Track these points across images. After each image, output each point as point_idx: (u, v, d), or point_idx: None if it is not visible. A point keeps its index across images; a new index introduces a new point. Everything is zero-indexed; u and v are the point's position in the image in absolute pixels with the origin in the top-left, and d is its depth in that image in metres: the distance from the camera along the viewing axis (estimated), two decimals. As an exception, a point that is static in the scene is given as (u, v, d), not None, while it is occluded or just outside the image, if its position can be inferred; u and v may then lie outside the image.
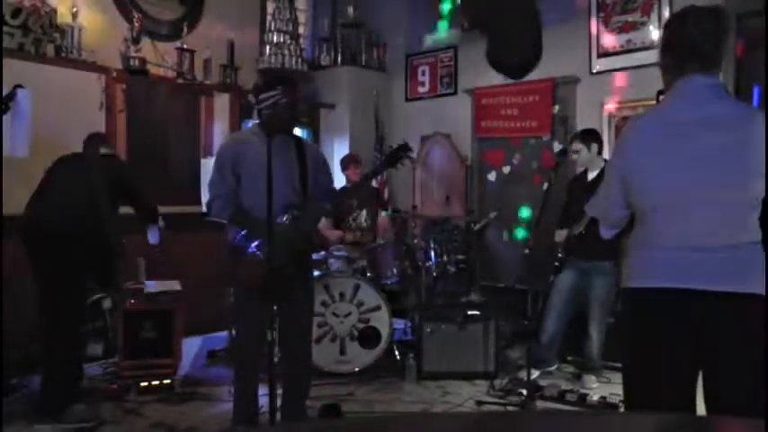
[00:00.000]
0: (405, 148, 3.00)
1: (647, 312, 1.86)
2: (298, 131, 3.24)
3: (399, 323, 4.69)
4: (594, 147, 4.02)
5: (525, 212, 5.59)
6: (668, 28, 1.95)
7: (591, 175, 4.06)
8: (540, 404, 3.58)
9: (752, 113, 1.86)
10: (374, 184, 5.49)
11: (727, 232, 1.76)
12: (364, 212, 4.90)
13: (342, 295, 4.14)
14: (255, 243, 2.75)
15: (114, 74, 4.80)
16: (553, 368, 4.19)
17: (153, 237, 3.84)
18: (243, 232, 2.78)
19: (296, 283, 2.89)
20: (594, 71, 5.23)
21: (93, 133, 3.82)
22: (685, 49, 1.85)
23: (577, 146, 4.00)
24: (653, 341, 1.85)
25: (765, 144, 1.75)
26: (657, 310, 1.82)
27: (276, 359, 2.85)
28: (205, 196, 3.00)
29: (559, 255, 3.97)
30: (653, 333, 1.84)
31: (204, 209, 2.97)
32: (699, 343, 1.78)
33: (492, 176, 5.95)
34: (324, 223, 4.94)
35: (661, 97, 2.20)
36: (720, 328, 1.75)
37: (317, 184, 3.01)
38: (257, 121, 3.01)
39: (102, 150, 3.67)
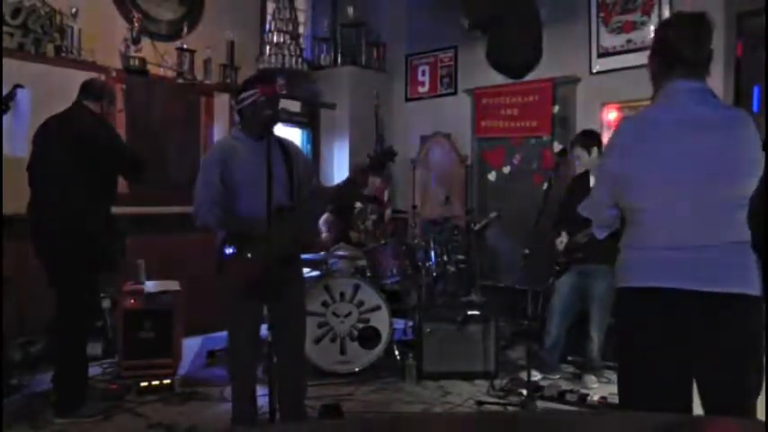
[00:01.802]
0: (390, 152, 2.99)
1: (638, 312, 1.88)
2: (291, 132, 3.22)
3: (399, 323, 4.68)
4: (595, 150, 4.02)
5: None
6: (655, 34, 2.01)
7: (593, 180, 4.05)
8: (540, 404, 3.58)
9: (737, 115, 1.89)
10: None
11: (714, 232, 1.78)
12: (372, 216, 4.89)
13: (342, 295, 4.14)
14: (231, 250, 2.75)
15: (114, 74, 4.78)
16: (557, 376, 4.15)
17: None
18: (231, 249, 2.78)
19: (287, 283, 2.89)
20: (594, 71, 5.23)
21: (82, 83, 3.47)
22: (670, 55, 1.89)
23: (578, 151, 4.01)
24: (644, 341, 1.86)
25: (764, 145, 1.77)
26: (647, 310, 1.84)
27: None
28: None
29: (560, 260, 3.98)
30: (644, 333, 1.86)
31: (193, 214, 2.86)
32: (689, 342, 1.79)
33: (492, 176, 5.95)
34: (326, 217, 4.96)
35: None
36: (709, 327, 1.77)
37: (303, 183, 3.00)
38: (239, 125, 3.00)
39: (89, 104, 3.36)
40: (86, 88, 3.40)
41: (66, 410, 3.28)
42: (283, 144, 2.99)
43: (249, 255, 2.74)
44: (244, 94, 2.84)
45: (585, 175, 4.14)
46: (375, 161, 2.97)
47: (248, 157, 2.80)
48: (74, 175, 3.21)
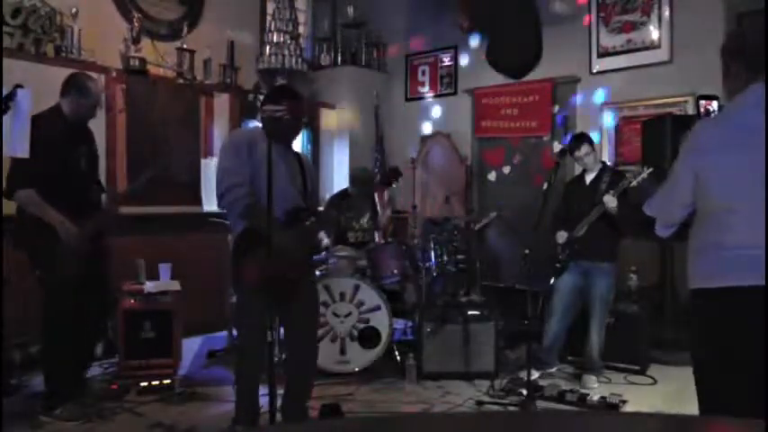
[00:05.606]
0: (395, 172, 3.10)
1: (721, 312, 1.89)
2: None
3: (399, 323, 4.69)
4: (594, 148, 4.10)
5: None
6: (739, 37, 2.02)
7: (589, 177, 4.10)
8: (540, 404, 3.58)
9: None
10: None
11: None
12: (367, 214, 4.90)
13: (342, 295, 4.14)
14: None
15: (114, 74, 4.79)
16: (554, 369, 4.20)
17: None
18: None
19: (300, 284, 2.89)
20: (594, 71, 5.23)
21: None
22: (757, 58, 1.91)
23: (587, 149, 4.03)
24: (729, 340, 1.88)
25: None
26: (732, 309, 1.86)
27: (277, 359, 2.86)
28: (206, 193, 2.98)
29: (560, 257, 4.00)
30: (730, 332, 1.87)
31: (217, 196, 2.85)
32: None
33: (492, 176, 5.95)
34: None
35: (703, 102, 2.24)
36: None
37: (313, 193, 3.10)
38: (260, 124, 3.03)
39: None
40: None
41: (48, 408, 3.26)
42: (299, 157, 3.08)
43: (264, 253, 2.73)
44: (269, 107, 2.79)
45: (581, 176, 4.18)
46: (384, 178, 3.16)
47: (266, 154, 2.80)
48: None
